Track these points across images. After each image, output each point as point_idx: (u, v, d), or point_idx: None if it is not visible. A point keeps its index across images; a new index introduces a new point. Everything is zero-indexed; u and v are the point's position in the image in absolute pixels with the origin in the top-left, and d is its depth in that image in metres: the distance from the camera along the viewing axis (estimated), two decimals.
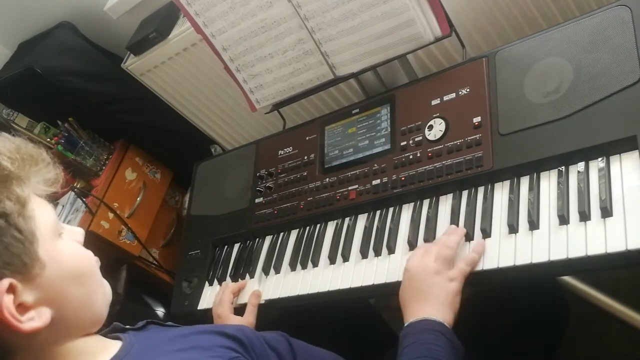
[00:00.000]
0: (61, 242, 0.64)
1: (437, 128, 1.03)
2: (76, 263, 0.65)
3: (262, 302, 1.14)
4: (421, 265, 0.87)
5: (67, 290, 0.62)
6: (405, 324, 0.83)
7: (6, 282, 0.56)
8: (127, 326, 0.75)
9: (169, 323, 0.82)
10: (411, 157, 1.05)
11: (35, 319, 0.59)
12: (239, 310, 1.15)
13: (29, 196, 0.61)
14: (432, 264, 0.86)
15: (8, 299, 0.56)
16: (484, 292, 1.05)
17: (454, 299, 0.84)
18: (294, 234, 1.19)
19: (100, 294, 0.68)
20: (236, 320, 1.10)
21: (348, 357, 0.93)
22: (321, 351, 0.91)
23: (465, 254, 0.89)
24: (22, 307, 0.58)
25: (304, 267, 1.11)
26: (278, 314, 1.21)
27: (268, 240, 1.24)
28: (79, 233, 0.69)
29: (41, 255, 0.60)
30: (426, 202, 1.02)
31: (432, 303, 0.83)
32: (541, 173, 0.91)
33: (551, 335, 1.01)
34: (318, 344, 0.93)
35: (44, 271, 0.60)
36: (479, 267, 0.88)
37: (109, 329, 0.73)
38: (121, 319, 0.77)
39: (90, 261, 0.68)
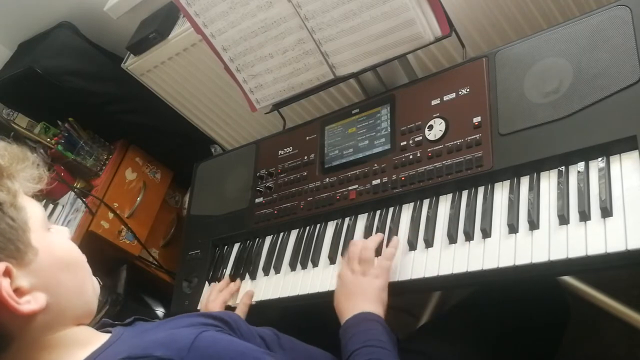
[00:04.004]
0: (51, 234, 0.68)
1: (437, 128, 1.03)
2: (66, 252, 0.69)
3: (255, 301, 1.14)
4: (348, 270, 0.96)
5: (59, 278, 0.65)
6: (343, 322, 0.89)
7: (2, 265, 0.59)
8: (116, 322, 0.77)
9: (156, 320, 0.84)
10: (411, 157, 1.05)
11: (32, 302, 0.61)
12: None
13: (19, 190, 0.65)
14: (357, 267, 0.96)
15: (5, 282, 0.59)
16: (484, 292, 1.05)
17: (380, 294, 0.92)
18: (294, 234, 1.19)
19: (90, 285, 0.71)
20: None
21: None
22: (310, 347, 0.91)
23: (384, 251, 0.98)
24: (18, 292, 0.61)
25: (304, 267, 1.11)
26: (278, 314, 1.21)
27: (268, 240, 1.24)
28: (66, 231, 0.72)
29: (34, 243, 0.63)
30: (426, 202, 1.02)
31: (363, 300, 0.91)
32: (541, 173, 0.91)
33: (551, 336, 1.01)
34: (317, 344, 0.93)
35: (37, 257, 0.63)
36: (479, 267, 0.88)
37: (98, 325, 0.76)
38: (121, 319, 0.78)
39: (79, 252, 0.72)
